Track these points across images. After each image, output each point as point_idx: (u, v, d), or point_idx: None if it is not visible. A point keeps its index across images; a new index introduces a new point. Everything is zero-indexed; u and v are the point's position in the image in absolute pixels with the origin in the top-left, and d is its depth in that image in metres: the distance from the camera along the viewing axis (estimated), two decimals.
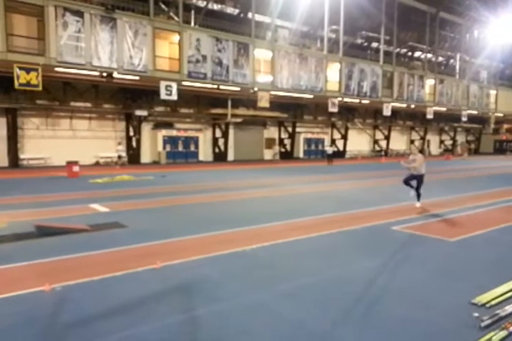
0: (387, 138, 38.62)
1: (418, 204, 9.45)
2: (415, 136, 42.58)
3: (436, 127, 44.43)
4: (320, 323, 3.51)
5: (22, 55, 17.80)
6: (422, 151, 41.85)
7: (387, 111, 33.30)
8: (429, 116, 36.92)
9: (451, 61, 42.60)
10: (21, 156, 21.68)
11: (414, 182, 9.48)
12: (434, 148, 45.11)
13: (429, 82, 36.77)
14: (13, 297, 3.99)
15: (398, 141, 41.05)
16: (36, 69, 17.81)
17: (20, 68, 17.50)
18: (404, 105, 35.10)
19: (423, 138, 42.29)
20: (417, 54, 40.40)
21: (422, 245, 6.14)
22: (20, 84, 17.73)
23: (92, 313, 3.66)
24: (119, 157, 22.39)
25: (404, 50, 39.34)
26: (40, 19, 18.30)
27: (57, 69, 18.89)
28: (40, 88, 18.29)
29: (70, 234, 6.54)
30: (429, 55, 38.03)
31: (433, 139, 45.08)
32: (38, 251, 5.55)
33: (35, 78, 17.83)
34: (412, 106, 35.74)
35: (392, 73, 33.36)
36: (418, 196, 9.50)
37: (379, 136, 38.99)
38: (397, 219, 8.01)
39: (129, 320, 3.51)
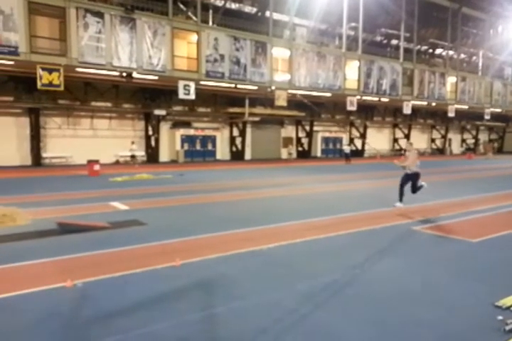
0: (407, 136, 37.99)
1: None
2: (436, 134, 41.80)
3: (457, 125, 43.50)
4: (338, 324, 3.47)
5: (44, 56, 18.22)
6: (442, 150, 41.15)
7: (407, 110, 32.76)
8: (451, 114, 36.16)
9: (474, 58, 41.58)
10: (44, 155, 22.20)
11: (408, 186, 8.81)
12: (456, 147, 44.17)
13: (451, 80, 36.00)
14: (36, 292, 4.08)
15: (419, 140, 40.32)
16: (58, 70, 18.20)
17: (43, 69, 17.91)
18: (424, 103, 34.49)
19: (444, 137, 41.47)
20: (439, 51, 39.59)
21: (444, 246, 6.01)
22: (42, 85, 18.15)
23: (112, 310, 3.71)
24: (133, 156, 22.38)
25: (425, 47, 38.61)
26: (62, 20, 18.70)
27: (78, 69, 19.27)
28: (62, 88, 18.68)
29: (91, 231, 6.66)
30: (451, 52, 37.21)
31: (454, 138, 44.14)
32: (60, 248, 5.66)
33: (57, 78, 18.22)
34: (433, 104, 35.08)
35: (412, 71, 32.80)
36: (414, 192, 8.88)
37: (399, 134, 38.41)
38: (418, 219, 7.87)
39: (148, 317, 3.55)
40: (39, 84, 18.06)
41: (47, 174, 17.37)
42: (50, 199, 10.15)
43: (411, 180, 8.71)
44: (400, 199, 8.75)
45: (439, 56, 39.83)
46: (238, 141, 28.75)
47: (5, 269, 4.80)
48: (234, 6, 27.20)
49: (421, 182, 8.86)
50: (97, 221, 7.33)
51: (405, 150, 9.30)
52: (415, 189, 8.83)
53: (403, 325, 3.45)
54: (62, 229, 6.67)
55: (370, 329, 3.37)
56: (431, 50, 39.54)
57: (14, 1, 17.20)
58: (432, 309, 3.77)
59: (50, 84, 18.21)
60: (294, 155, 31.36)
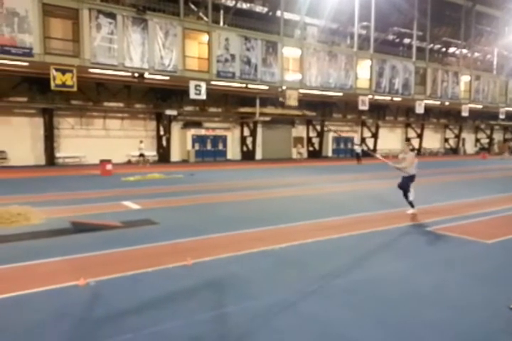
0: (420, 136, 37.60)
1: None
2: (449, 134, 41.28)
3: (471, 125, 42.88)
4: (349, 325, 3.43)
5: (58, 57, 18.46)
6: (456, 150, 40.60)
7: (419, 109, 32.41)
8: (465, 113, 35.67)
9: (488, 56, 40.93)
10: (57, 155, 22.49)
11: (410, 189, 8.20)
12: (470, 147, 43.55)
13: (465, 79, 35.50)
14: (50, 290, 4.13)
15: (432, 140, 39.89)
16: (71, 71, 18.43)
17: (57, 69, 18.15)
18: (437, 102, 34.07)
19: (458, 137, 40.93)
20: (452, 49, 39.08)
21: (457, 247, 5.92)
22: (56, 85, 18.39)
23: (124, 308, 3.73)
24: (141, 155, 22.18)
25: (438, 46, 38.15)
26: (75, 22, 18.92)
27: (91, 70, 19.48)
28: (75, 89, 18.91)
29: (103, 230, 6.71)
30: (465, 51, 36.70)
31: (468, 137, 43.53)
32: (73, 247, 5.72)
33: (70, 79, 18.45)
34: (447, 103, 34.64)
35: (425, 70, 32.43)
36: (408, 200, 8.17)
37: (411, 134, 38.04)
38: (431, 220, 7.76)
39: (159, 316, 3.56)
40: (53, 84, 18.30)
41: (60, 173, 17.59)
42: (64, 198, 10.27)
43: (407, 182, 8.17)
44: (412, 206, 8.25)
45: (453, 55, 39.31)
46: (249, 140, 28.77)
47: (19, 267, 4.86)
48: (245, 5, 27.21)
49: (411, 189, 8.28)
50: (110, 220, 7.39)
51: (403, 151, 8.57)
52: (405, 193, 8.19)
53: (412, 326, 3.40)
54: (76, 228, 6.74)
55: (378, 329, 3.32)
56: (444, 49, 39.05)
57: (29, 3, 17.47)
58: (444, 310, 3.71)
59: (64, 84, 18.45)
60: (305, 155, 31.24)
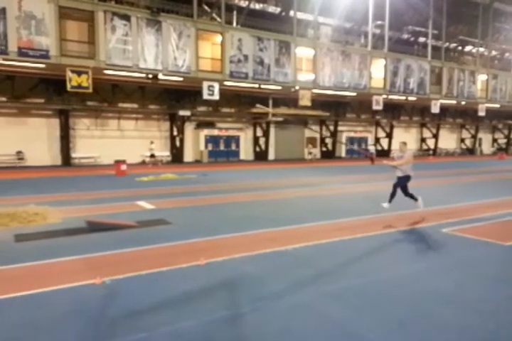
0: (436, 136, 37.07)
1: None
2: (466, 134, 40.61)
3: (488, 125, 42.09)
4: (363, 327, 3.39)
5: (74, 59, 18.76)
6: (472, 150, 39.93)
7: (435, 109, 31.98)
8: (481, 113, 35.06)
9: (506, 54, 40.14)
10: (73, 155, 22.82)
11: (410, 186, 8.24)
12: (487, 147, 42.75)
13: (481, 78, 34.88)
14: (67, 289, 4.18)
15: (447, 140, 39.30)
16: (87, 72, 18.70)
17: (72, 71, 18.44)
18: (453, 102, 33.56)
19: (474, 137, 40.23)
20: (468, 48, 38.45)
21: (474, 249, 5.80)
22: (72, 87, 18.68)
23: (139, 307, 3.75)
24: (152, 155, 22.26)
25: (454, 45, 37.57)
26: (90, 24, 19.19)
27: (106, 71, 19.73)
28: (90, 90, 19.18)
29: (118, 230, 6.78)
30: (482, 49, 36.05)
31: (485, 137, 42.74)
32: (89, 246, 5.78)
33: (85, 80, 18.72)
34: (463, 103, 34.09)
35: (440, 69, 31.98)
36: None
37: (427, 134, 37.53)
38: (447, 221, 7.63)
39: (173, 315, 3.57)
40: (68, 86, 18.60)
41: (76, 174, 17.84)
42: (80, 198, 10.41)
43: (404, 183, 8.14)
44: (416, 200, 8.29)
45: (469, 53, 38.67)
46: (262, 141, 28.76)
47: (37, 266, 4.94)
48: (258, 6, 27.24)
49: (386, 204, 8.35)
50: (125, 220, 7.46)
51: (401, 151, 8.49)
52: (406, 191, 8.27)
53: (428, 329, 3.33)
54: (92, 227, 6.82)
55: (394, 332, 3.27)
56: (460, 48, 38.44)
57: (46, 6, 17.79)
58: (462, 314, 3.63)
59: (79, 86, 18.73)
60: (318, 155, 31.09)
